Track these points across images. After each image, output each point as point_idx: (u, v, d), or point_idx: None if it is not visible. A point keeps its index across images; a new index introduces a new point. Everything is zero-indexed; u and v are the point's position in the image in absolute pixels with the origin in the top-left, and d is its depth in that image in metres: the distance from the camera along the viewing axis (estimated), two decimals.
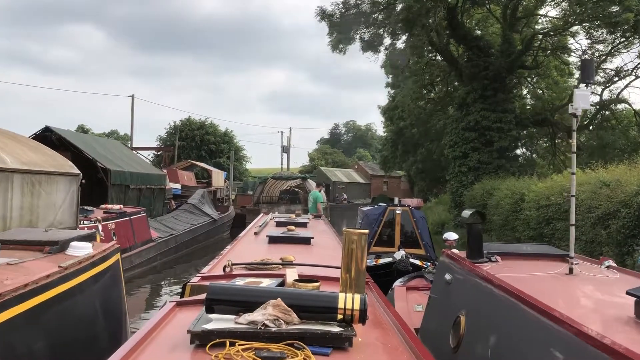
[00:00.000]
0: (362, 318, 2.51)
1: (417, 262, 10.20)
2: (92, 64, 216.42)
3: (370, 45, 22.37)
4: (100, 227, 9.75)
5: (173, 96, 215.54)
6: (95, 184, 17.80)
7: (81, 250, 4.77)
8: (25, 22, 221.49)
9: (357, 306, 2.50)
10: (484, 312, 4.13)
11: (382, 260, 10.37)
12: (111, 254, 5.22)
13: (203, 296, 2.64)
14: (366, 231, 3.43)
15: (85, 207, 12.74)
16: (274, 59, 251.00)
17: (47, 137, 17.09)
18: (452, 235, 8.06)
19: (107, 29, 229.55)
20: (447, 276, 5.19)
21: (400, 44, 22.99)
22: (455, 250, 5.75)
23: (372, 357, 2.40)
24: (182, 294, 4.00)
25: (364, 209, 16.66)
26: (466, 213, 5.26)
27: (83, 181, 20.36)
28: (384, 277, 8.40)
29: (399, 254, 10.04)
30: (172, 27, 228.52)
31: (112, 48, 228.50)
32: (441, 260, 5.66)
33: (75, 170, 7.59)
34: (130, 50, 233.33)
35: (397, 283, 8.07)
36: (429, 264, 10.52)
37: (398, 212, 11.73)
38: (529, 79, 27.54)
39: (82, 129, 57.23)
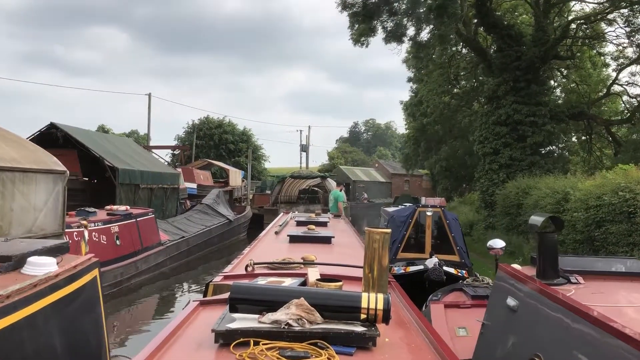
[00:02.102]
0: (386, 318, 2.47)
1: (452, 270, 9.25)
2: (115, 65, 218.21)
3: (394, 36, 21.10)
4: (86, 234, 8.72)
5: (194, 96, 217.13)
6: (104, 183, 16.98)
7: (41, 268, 3.64)
8: (51, 24, 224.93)
9: (380, 306, 2.45)
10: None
11: (412, 268, 9.39)
12: (84, 272, 4.09)
13: (226, 295, 2.64)
14: (388, 230, 3.27)
15: (87, 209, 11.87)
16: (294, 59, 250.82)
17: (53, 134, 16.31)
18: (498, 243, 6.81)
19: (130, 31, 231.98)
20: (511, 301, 4.02)
21: (425, 34, 21.69)
22: (516, 266, 4.56)
23: (396, 357, 2.36)
24: (205, 293, 4.02)
25: (389, 209, 15.50)
26: (536, 220, 4.08)
27: (94, 180, 19.38)
28: (414, 288, 7.38)
29: (431, 262, 9.08)
30: (193, 27, 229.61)
31: (135, 49, 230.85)
32: (499, 278, 4.46)
33: (61, 167, 6.56)
34: (152, 51, 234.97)
35: (433, 298, 6.97)
36: (464, 271, 9.57)
37: (429, 213, 10.52)
38: (560, 72, 26.00)
39: (102, 129, 57.17)
